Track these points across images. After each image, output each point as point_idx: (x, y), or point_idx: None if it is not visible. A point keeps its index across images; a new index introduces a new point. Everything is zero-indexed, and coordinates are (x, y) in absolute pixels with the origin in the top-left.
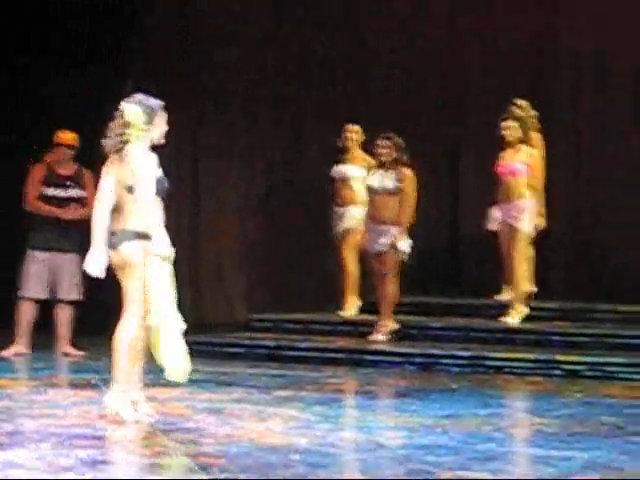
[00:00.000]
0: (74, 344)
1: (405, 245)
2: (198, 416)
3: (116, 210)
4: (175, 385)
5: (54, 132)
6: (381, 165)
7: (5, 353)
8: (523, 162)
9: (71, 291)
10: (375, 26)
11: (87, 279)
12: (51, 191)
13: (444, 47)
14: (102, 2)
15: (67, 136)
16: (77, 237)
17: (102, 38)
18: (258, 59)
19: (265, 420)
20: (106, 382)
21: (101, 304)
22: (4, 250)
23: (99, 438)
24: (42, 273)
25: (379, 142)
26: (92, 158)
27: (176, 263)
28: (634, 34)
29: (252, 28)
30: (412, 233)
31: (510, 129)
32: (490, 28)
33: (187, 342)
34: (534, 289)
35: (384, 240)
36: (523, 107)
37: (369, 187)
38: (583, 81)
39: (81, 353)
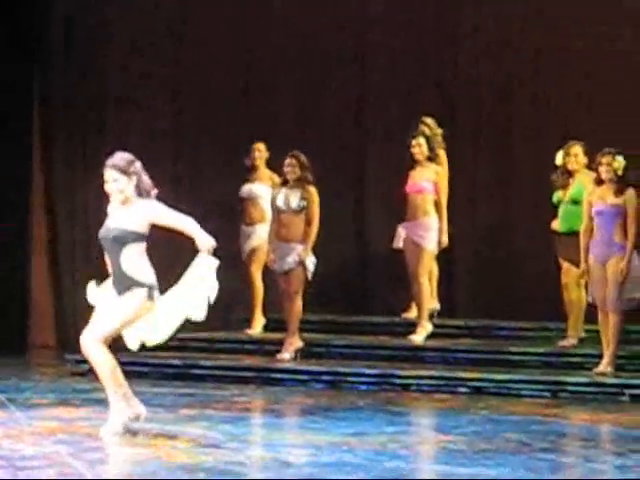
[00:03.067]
0: None
1: (311, 263)
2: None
3: None
4: (80, 405)
5: None
6: (286, 183)
7: None
8: (430, 180)
9: None
10: (274, 41)
11: None
12: None
13: (348, 58)
14: None
15: None
16: None
17: None
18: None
19: (172, 439)
20: (12, 401)
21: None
22: None
23: (3, 458)
24: None
25: (285, 160)
26: None
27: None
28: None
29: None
30: (319, 251)
31: (419, 147)
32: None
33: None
34: (438, 306)
35: (290, 258)
36: (430, 125)
37: (274, 206)
38: (484, 98)
39: None
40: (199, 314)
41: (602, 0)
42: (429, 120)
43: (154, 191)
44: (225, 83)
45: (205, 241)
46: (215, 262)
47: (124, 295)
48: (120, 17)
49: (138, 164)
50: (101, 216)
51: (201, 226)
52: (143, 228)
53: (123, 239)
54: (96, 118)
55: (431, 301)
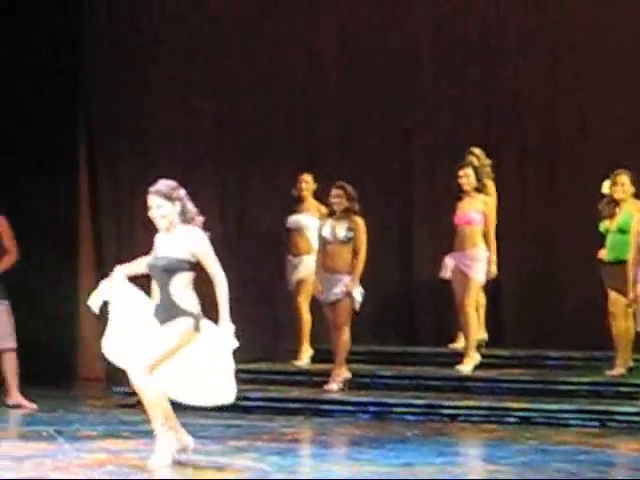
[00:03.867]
0: (24, 394)
1: (358, 294)
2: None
3: None
4: (128, 437)
5: None
6: (333, 214)
7: None
8: (479, 211)
9: (7, 339)
10: (319, 72)
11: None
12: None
13: (396, 91)
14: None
15: None
16: (3, 286)
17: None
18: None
19: (220, 471)
20: (60, 433)
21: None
22: None
23: None
24: None
25: (332, 191)
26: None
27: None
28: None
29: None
30: (366, 281)
31: (467, 177)
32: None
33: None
34: (486, 337)
35: (337, 289)
36: (478, 155)
37: (321, 237)
38: (529, 126)
39: (33, 405)
40: (229, 397)
41: None
42: (477, 150)
43: (199, 218)
44: (271, 113)
45: (225, 319)
46: (236, 344)
47: (170, 323)
48: (163, 50)
49: (182, 191)
50: (150, 242)
51: (248, 258)
52: (190, 256)
53: (173, 268)
54: (142, 150)
55: (479, 331)
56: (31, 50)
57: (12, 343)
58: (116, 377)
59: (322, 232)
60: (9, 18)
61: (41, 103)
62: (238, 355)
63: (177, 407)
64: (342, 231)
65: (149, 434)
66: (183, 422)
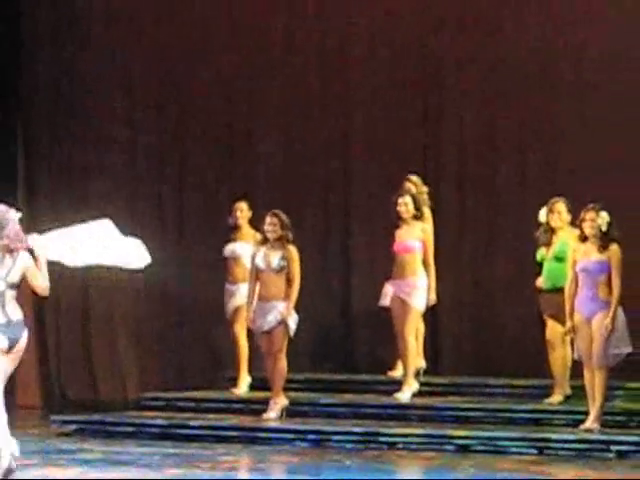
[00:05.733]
0: None
1: (292, 321)
2: None
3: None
4: (67, 465)
5: None
6: (265, 242)
7: None
8: (418, 238)
9: None
10: (257, 98)
11: None
12: None
13: (332, 117)
14: None
15: None
16: None
17: None
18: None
19: None
20: None
21: None
22: None
23: None
24: None
25: (266, 219)
26: None
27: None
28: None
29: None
30: (304, 309)
31: (406, 205)
32: (377, 100)
33: (79, 421)
34: (424, 364)
35: (272, 317)
36: (416, 183)
37: (254, 265)
38: (469, 155)
39: None
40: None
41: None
42: (415, 178)
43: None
44: (207, 143)
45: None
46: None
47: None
48: (98, 83)
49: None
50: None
51: (186, 285)
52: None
53: None
54: (79, 186)
55: (417, 359)
56: None
57: None
58: (53, 405)
59: (256, 260)
60: None
61: None
62: (177, 383)
63: (116, 436)
64: (275, 260)
65: (88, 462)
66: (122, 451)
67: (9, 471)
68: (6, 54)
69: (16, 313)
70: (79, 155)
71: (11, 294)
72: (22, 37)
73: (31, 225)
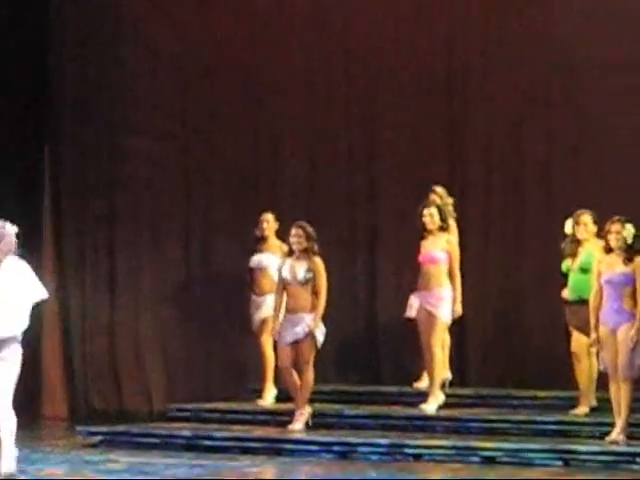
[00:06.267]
0: None
1: (320, 333)
2: None
3: None
4: (93, 476)
5: None
6: (291, 254)
7: None
8: (443, 250)
9: None
10: (285, 115)
11: None
12: None
13: (357, 130)
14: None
15: None
16: None
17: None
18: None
19: None
20: (24, 473)
21: None
22: None
23: None
24: None
25: (291, 231)
26: None
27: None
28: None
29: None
30: (330, 321)
31: (431, 217)
32: (405, 111)
33: (104, 432)
34: (450, 376)
35: (299, 329)
36: (441, 194)
37: (281, 277)
38: (495, 165)
39: None
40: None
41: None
42: (440, 189)
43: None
44: (233, 154)
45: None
46: None
47: None
48: (123, 98)
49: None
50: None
51: (212, 296)
52: None
53: None
54: (106, 201)
55: (443, 370)
56: None
57: None
58: (79, 416)
59: (282, 273)
60: None
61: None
62: (203, 394)
63: (141, 447)
64: (301, 272)
65: (113, 473)
66: (147, 462)
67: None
68: (33, 71)
69: None
70: (105, 168)
71: None
72: (48, 64)
73: (57, 244)
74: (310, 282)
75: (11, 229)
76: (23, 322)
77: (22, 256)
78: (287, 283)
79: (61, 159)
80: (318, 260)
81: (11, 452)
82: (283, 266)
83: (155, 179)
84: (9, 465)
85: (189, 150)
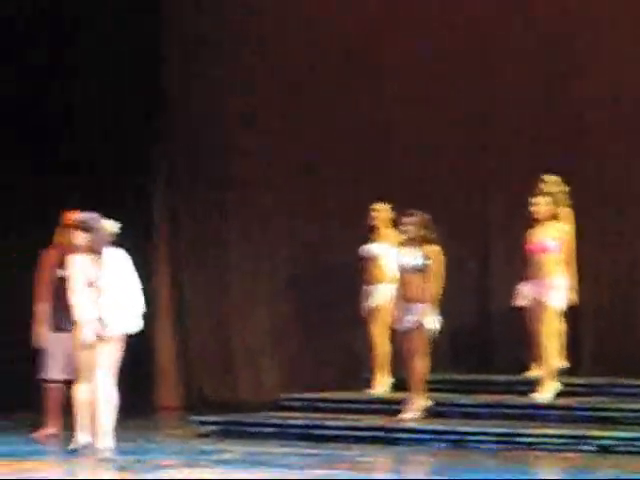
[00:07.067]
0: None
1: (433, 322)
2: None
3: None
4: (207, 465)
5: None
6: (408, 242)
7: (36, 435)
8: (554, 238)
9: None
10: (399, 102)
11: None
12: (62, 272)
13: (472, 120)
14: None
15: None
16: None
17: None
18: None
19: None
20: (140, 463)
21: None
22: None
23: None
24: (62, 354)
25: (405, 219)
26: None
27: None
28: None
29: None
30: (441, 310)
31: (540, 205)
32: (518, 100)
33: (218, 422)
34: (564, 365)
35: (412, 317)
36: (553, 183)
37: (398, 265)
38: (607, 154)
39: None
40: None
41: None
42: (551, 178)
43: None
44: (348, 143)
45: None
46: None
47: None
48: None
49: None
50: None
51: (324, 286)
52: None
53: None
54: (219, 198)
55: (558, 359)
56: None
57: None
58: (194, 406)
59: (398, 261)
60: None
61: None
62: (316, 383)
63: (255, 436)
64: (417, 259)
65: (227, 463)
66: (260, 451)
67: (84, 447)
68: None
69: None
70: (217, 165)
71: None
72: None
73: (171, 236)
74: (426, 270)
75: (106, 223)
76: (136, 318)
77: (131, 249)
78: (404, 271)
79: (174, 158)
80: (434, 247)
81: (109, 434)
82: (400, 254)
83: (264, 174)
84: (105, 447)
85: (295, 143)
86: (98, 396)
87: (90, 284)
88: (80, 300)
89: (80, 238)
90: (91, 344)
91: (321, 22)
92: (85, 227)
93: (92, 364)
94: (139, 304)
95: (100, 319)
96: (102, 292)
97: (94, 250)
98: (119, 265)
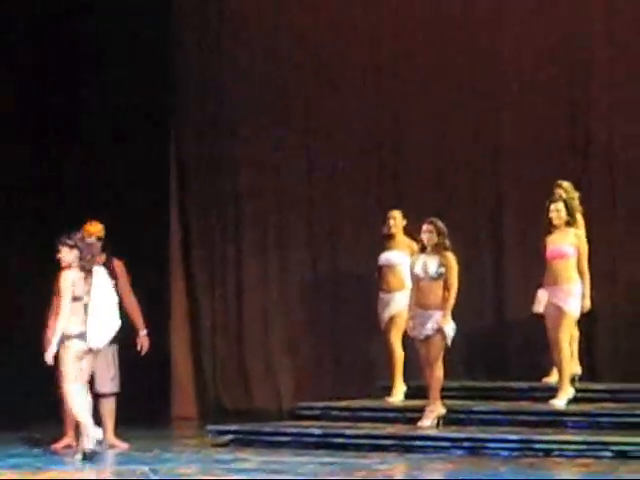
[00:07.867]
0: (118, 435)
1: (450, 329)
2: None
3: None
4: (224, 475)
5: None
6: (423, 250)
7: (55, 446)
8: (571, 244)
9: (107, 384)
10: (409, 106)
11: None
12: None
13: (480, 121)
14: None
15: (95, 228)
16: None
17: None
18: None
19: None
20: (156, 472)
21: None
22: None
23: None
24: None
25: (422, 227)
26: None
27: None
28: None
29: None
30: (457, 317)
31: (558, 212)
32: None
33: (234, 431)
34: (579, 371)
35: (429, 325)
36: (567, 189)
37: (413, 273)
38: (619, 161)
39: (126, 445)
40: None
41: None
42: (565, 184)
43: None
44: (359, 150)
45: None
46: None
47: None
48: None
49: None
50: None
51: (340, 294)
52: None
53: None
54: (233, 210)
55: (572, 365)
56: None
57: (114, 388)
58: (209, 416)
59: (414, 268)
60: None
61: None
62: (332, 392)
63: (272, 445)
64: (433, 267)
65: (244, 472)
66: (277, 460)
67: (93, 454)
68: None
69: None
70: (231, 177)
71: None
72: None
73: (185, 248)
74: (442, 277)
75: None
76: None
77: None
78: (419, 279)
79: (188, 168)
80: (450, 255)
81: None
82: (415, 262)
83: (279, 185)
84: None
85: (311, 149)
86: (81, 402)
87: (76, 299)
88: (67, 314)
89: (69, 255)
90: (79, 356)
91: (334, 35)
92: (72, 245)
93: (84, 375)
94: (116, 320)
95: (86, 333)
96: (89, 307)
97: (83, 267)
98: (104, 282)
